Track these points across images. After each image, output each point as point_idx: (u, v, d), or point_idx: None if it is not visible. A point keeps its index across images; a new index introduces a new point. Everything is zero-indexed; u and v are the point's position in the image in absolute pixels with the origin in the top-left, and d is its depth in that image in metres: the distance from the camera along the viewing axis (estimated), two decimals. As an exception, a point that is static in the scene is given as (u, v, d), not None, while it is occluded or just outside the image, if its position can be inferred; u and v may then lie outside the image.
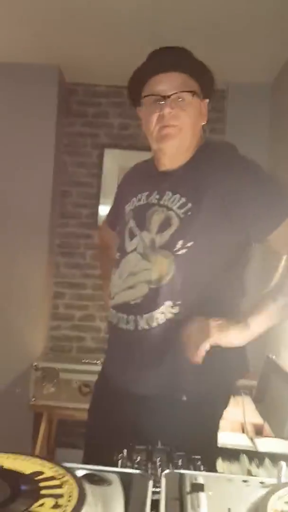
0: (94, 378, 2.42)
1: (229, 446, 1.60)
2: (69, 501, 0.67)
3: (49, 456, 2.66)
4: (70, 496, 0.68)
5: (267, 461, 1.45)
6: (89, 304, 3.00)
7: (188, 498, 0.73)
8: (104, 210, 3.03)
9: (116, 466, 0.98)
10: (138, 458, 1.05)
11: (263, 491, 0.75)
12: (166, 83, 1.21)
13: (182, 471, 0.84)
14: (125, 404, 1.25)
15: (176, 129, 1.22)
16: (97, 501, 0.71)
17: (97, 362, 2.62)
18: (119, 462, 1.03)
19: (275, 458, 1.45)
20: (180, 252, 1.18)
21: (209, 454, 1.18)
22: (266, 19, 2.24)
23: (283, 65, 2.64)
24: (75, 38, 2.55)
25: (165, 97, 1.20)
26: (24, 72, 2.82)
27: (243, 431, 1.84)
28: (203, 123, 1.30)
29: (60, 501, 0.67)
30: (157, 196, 1.26)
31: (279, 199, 1.19)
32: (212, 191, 1.19)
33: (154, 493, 0.79)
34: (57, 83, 2.86)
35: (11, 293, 2.78)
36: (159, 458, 1.06)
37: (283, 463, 0.82)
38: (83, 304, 3.01)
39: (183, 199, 1.21)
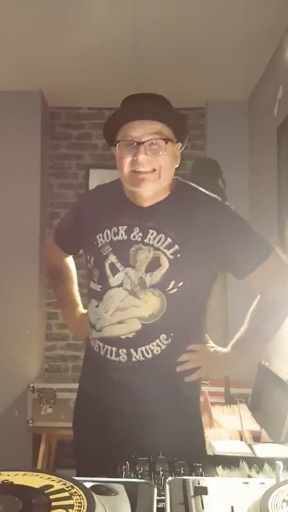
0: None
1: (228, 454, 1.62)
2: (78, 511, 0.70)
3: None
4: (80, 507, 0.71)
5: (266, 466, 1.47)
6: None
7: (192, 501, 0.77)
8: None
9: (115, 477, 1.02)
10: (142, 469, 1.09)
11: (263, 491, 0.79)
12: (140, 129, 1.25)
13: (185, 477, 0.88)
14: (118, 421, 1.32)
15: (153, 174, 1.27)
16: (105, 510, 0.74)
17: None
18: (123, 473, 1.06)
19: (274, 462, 1.48)
20: (172, 292, 1.28)
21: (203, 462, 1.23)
22: (240, 40, 2.33)
23: (257, 83, 2.74)
24: (56, 64, 2.62)
25: (139, 143, 1.25)
26: (7, 99, 2.88)
27: (241, 439, 1.86)
28: (177, 166, 1.35)
29: (71, 511, 0.70)
30: (140, 234, 1.31)
31: (257, 245, 1.34)
32: (198, 234, 1.29)
33: (159, 501, 0.82)
34: (40, 108, 2.93)
35: (4, 315, 2.80)
36: (161, 468, 1.09)
37: (280, 463, 0.86)
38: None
39: (169, 240, 1.28)
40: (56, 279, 1.66)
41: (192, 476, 1.00)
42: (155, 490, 0.83)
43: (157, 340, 1.29)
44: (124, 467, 1.08)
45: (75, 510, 0.70)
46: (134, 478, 1.04)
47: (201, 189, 1.39)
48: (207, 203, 1.35)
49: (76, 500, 0.73)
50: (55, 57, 2.54)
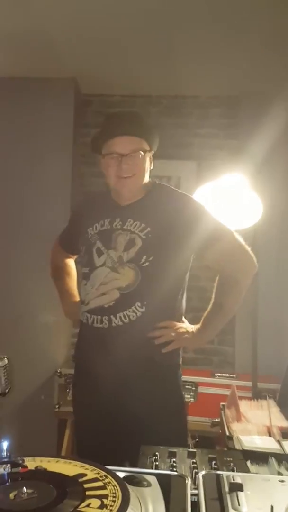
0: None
1: (257, 449, 1.60)
2: (113, 501, 0.70)
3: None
4: (114, 497, 0.71)
5: (295, 463, 1.44)
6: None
7: (228, 497, 0.75)
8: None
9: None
10: (171, 461, 1.08)
11: (300, 490, 0.77)
12: (122, 144, 1.54)
13: (218, 471, 0.86)
14: (105, 385, 1.51)
15: (131, 178, 1.57)
16: (139, 502, 0.73)
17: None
18: (154, 464, 1.05)
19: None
20: (144, 265, 1.52)
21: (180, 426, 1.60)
22: (278, 26, 2.26)
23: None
24: (90, 51, 2.61)
25: (122, 155, 1.53)
26: (42, 85, 2.88)
27: (269, 435, 1.83)
28: (151, 168, 1.65)
29: (106, 501, 0.69)
30: (120, 223, 1.59)
31: (213, 228, 1.56)
32: (165, 220, 1.55)
33: (191, 495, 0.81)
34: (73, 95, 2.92)
35: (33, 302, 2.83)
36: (192, 460, 1.08)
37: None
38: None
39: (143, 225, 1.55)
40: (58, 276, 1.92)
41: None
42: (189, 483, 0.82)
43: (133, 307, 1.51)
44: (155, 457, 1.07)
45: (110, 500, 0.70)
46: (164, 469, 1.04)
47: (172, 187, 1.68)
48: (174, 197, 1.62)
49: (110, 490, 0.73)
50: (90, 43, 2.52)
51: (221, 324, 1.64)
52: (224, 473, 0.84)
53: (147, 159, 1.61)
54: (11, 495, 0.71)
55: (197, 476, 0.87)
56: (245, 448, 1.43)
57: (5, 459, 0.80)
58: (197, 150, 3.01)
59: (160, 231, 1.54)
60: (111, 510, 0.67)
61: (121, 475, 0.81)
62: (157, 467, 1.04)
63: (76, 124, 2.99)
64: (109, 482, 0.76)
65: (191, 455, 1.14)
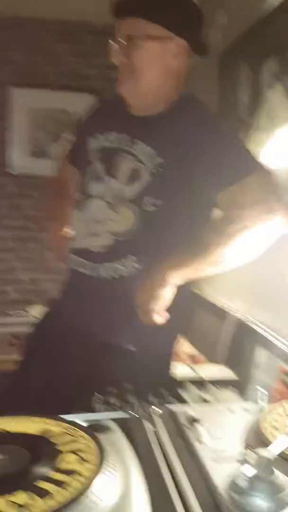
0: (24, 329, 2.42)
1: (183, 379, 1.67)
2: (90, 454, 0.70)
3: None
4: (89, 448, 0.71)
5: (212, 387, 1.58)
6: (9, 256, 2.89)
7: (188, 432, 0.81)
8: (15, 156, 2.83)
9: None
10: (113, 400, 1.10)
11: (250, 416, 0.85)
12: (124, 28, 1.16)
13: (171, 407, 0.91)
14: (78, 344, 1.24)
15: (131, 78, 1.17)
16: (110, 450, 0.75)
17: (26, 312, 2.61)
18: (97, 406, 1.06)
19: (219, 383, 1.60)
20: (148, 209, 1.17)
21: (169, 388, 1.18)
22: None
23: (231, 41, 2.57)
24: None
25: (118, 42, 1.16)
26: None
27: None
28: (178, 66, 1.18)
29: (83, 455, 0.69)
30: (129, 143, 1.21)
31: (240, 161, 1.14)
32: (184, 152, 1.15)
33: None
34: None
35: None
36: (134, 398, 1.12)
37: (260, 389, 0.92)
38: (2, 257, 2.89)
39: (154, 151, 1.17)
40: (58, 191, 1.51)
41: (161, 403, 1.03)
42: (147, 424, 0.85)
43: (124, 260, 1.19)
44: (98, 399, 1.09)
45: (87, 453, 0.70)
46: (107, 410, 1.06)
47: (204, 104, 1.25)
48: (201, 121, 1.20)
49: (83, 443, 0.73)
50: None
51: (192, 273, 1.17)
52: (177, 408, 0.90)
53: (168, 53, 1.16)
54: (-20, 464, 0.67)
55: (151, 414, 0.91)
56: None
57: None
58: (95, 82, 2.85)
59: (175, 166, 1.16)
60: (91, 463, 0.67)
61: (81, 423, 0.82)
62: (100, 410, 1.06)
63: None
64: (78, 434, 0.75)
65: (129, 393, 1.17)
